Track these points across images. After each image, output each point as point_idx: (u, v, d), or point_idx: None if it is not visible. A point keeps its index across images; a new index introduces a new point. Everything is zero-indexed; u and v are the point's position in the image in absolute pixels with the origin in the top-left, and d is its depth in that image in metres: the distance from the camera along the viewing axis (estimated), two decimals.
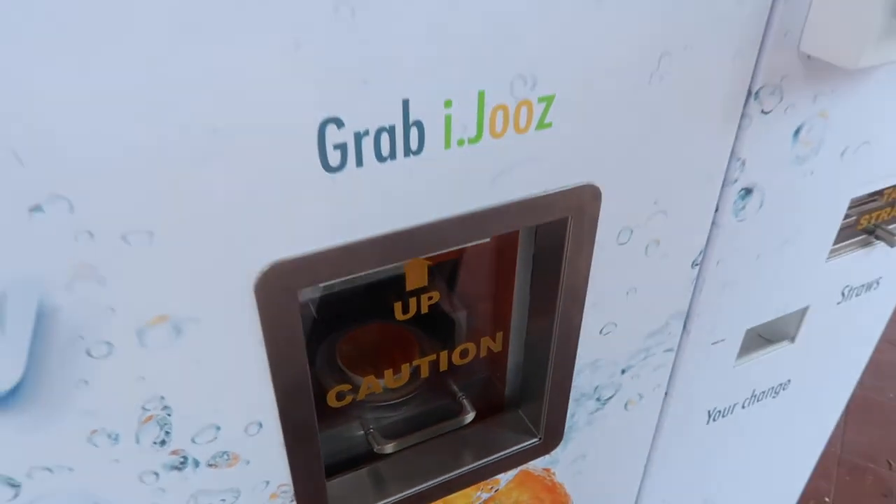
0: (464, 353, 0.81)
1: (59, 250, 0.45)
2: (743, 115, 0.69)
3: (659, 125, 0.64)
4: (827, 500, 1.70)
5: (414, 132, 0.53)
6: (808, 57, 0.66)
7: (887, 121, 0.80)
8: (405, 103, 0.51)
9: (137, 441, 0.56)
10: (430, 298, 0.76)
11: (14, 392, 0.49)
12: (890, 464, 1.78)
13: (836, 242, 0.90)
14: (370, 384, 0.78)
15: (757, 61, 0.66)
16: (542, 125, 0.58)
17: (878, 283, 1.03)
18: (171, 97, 0.43)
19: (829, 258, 0.91)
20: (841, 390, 1.22)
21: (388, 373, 0.80)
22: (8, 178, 0.42)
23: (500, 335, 0.83)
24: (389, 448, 0.79)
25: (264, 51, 0.44)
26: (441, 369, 0.88)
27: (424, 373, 0.91)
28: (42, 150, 0.41)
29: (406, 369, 0.87)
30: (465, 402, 0.85)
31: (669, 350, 0.86)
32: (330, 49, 0.46)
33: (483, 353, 0.82)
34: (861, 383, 1.74)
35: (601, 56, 0.57)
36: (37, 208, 0.43)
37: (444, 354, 0.80)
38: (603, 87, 0.58)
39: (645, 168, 0.66)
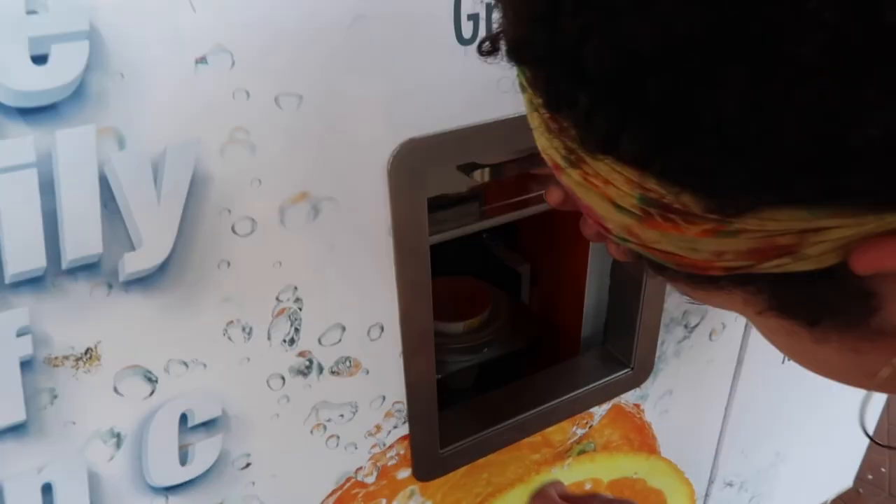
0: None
1: (218, 108, 0.46)
2: None
3: None
4: (883, 469, 1.68)
5: None
6: None
7: None
8: None
9: (269, 337, 0.56)
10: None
11: (162, 267, 0.48)
12: None
13: None
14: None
15: None
16: None
17: None
18: None
19: None
20: None
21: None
22: (180, 25, 0.42)
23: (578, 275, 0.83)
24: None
25: None
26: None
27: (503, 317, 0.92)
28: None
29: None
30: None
31: None
32: None
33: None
34: None
35: None
36: (202, 60, 0.44)
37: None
38: None
39: None
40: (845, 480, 1.46)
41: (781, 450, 1.18)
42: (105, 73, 0.41)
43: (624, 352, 0.84)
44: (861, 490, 1.63)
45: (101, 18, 0.40)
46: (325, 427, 0.63)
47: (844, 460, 1.44)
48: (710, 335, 0.89)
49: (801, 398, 1.12)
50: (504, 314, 0.93)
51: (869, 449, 1.52)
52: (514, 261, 1.00)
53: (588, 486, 0.89)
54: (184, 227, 0.48)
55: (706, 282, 0.31)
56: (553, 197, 0.63)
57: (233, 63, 0.45)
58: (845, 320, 0.29)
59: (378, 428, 0.66)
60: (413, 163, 0.54)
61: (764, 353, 0.97)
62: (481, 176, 0.68)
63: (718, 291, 0.31)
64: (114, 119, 0.42)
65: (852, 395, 1.23)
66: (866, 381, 0.32)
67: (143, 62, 0.42)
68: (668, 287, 0.79)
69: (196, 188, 0.47)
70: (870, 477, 1.67)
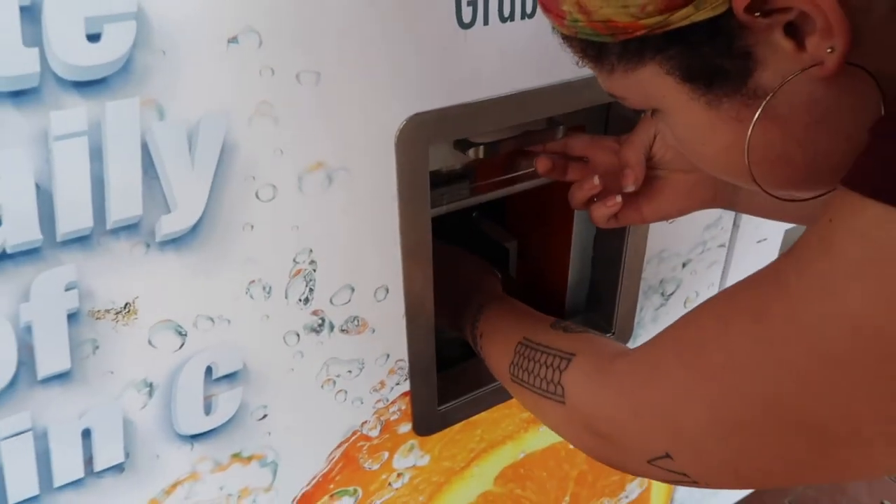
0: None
1: (246, 83, 0.51)
2: None
3: None
4: None
5: None
6: None
7: None
8: None
9: (286, 296, 0.61)
10: None
11: (194, 229, 0.53)
12: None
13: None
14: None
15: None
16: None
17: None
18: None
19: None
20: None
21: None
22: (215, 7, 0.47)
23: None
24: None
25: None
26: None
27: None
28: None
29: None
30: None
31: (722, 246, 0.93)
32: None
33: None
34: None
35: None
36: (233, 40, 0.49)
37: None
38: None
39: None
40: None
41: None
42: (149, 50, 0.46)
43: (605, 319, 0.91)
44: None
45: (148, 0, 0.45)
46: (334, 382, 0.68)
47: None
48: (685, 302, 0.96)
49: None
50: None
51: None
52: (502, 237, 1.06)
53: (573, 446, 0.96)
54: (214, 192, 0.53)
55: (635, 56, 0.40)
56: (542, 165, 0.69)
57: (260, 43, 0.50)
58: (731, 82, 0.38)
59: (382, 384, 0.72)
60: (418, 136, 0.60)
61: None
62: (476, 153, 0.73)
63: (644, 68, 0.40)
64: (155, 92, 0.47)
65: None
66: (741, 158, 0.41)
67: (182, 40, 0.47)
68: (647, 255, 0.86)
69: (225, 156, 0.52)
70: None
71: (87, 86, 0.45)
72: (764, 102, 0.38)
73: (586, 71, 0.67)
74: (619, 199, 0.66)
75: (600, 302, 0.91)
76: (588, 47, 0.43)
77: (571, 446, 0.96)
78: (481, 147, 0.71)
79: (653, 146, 0.67)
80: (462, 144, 0.71)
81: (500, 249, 1.05)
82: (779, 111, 0.39)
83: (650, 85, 0.42)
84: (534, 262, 1.03)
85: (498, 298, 0.74)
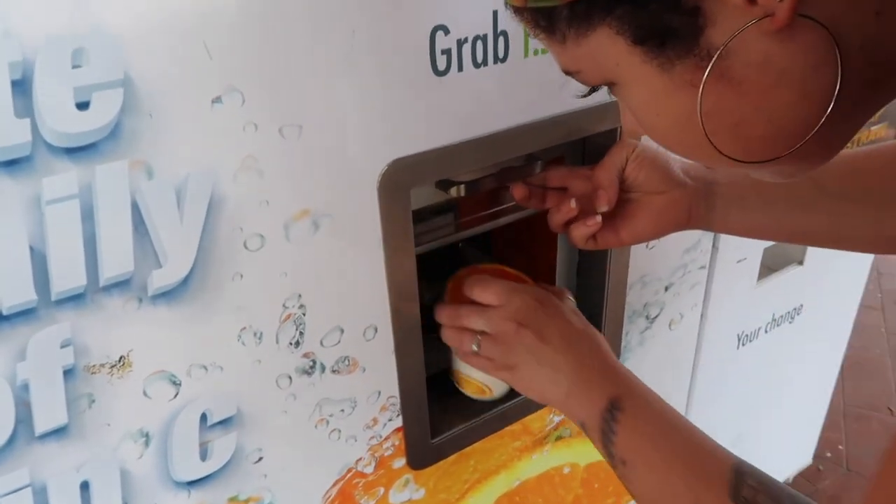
0: None
1: (231, 140, 0.53)
2: None
3: None
4: (841, 447, 1.79)
5: (501, 41, 0.62)
6: None
7: None
8: (495, 14, 0.61)
9: (277, 341, 0.62)
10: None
11: (185, 282, 0.55)
12: (891, 410, 1.90)
13: None
14: None
15: None
16: None
17: None
18: (321, 9, 0.52)
19: None
20: (846, 314, 1.33)
21: None
22: (199, 70, 0.49)
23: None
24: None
25: None
26: None
27: None
28: (227, 46, 0.49)
29: None
30: None
31: (703, 267, 0.96)
32: None
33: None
34: (850, 344, 1.87)
35: None
36: (217, 100, 0.51)
37: None
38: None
39: None
40: (805, 458, 1.57)
41: (743, 431, 1.27)
42: (136, 114, 0.48)
43: None
44: (821, 467, 1.74)
45: (134, 67, 0.47)
46: (327, 422, 0.69)
47: (802, 439, 1.54)
48: (670, 325, 0.98)
49: (758, 381, 1.22)
50: None
51: (825, 428, 1.63)
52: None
53: (566, 471, 0.97)
54: (203, 245, 0.55)
55: (584, 20, 0.39)
56: (518, 192, 0.72)
57: (243, 101, 0.52)
58: (682, 41, 0.37)
59: (375, 421, 0.73)
60: (399, 179, 0.62)
61: (719, 340, 1.07)
62: (457, 191, 0.76)
63: (595, 33, 0.39)
64: (143, 153, 0.49)
65: (806, 375, 1.33)
66: (698, 126, 0.39)
67: (167, 103, 0.49)
68: (629, 280, 0.88)
69: (213, 210, 0.54)
70: (828, 454, 1.78)
71: (77, 151, 0.47)
72: (713, 59, 0.36)
73: (560, 108, 0.70)
74: (598, 218, 0.68)
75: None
76: (539, 17, 0.42)
77: (566, 471, 0.97)
78: (462, 186, 0.74)
79: (625, 169, 0.69)
80: (444, 184, 0.73)
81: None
82: (733, 73, 0.37)
83: (603, 53, 0.40)
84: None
85: (631, 397, 0.61)
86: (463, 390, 0.81)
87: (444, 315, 0.69)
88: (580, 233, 0.69)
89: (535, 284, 0.73)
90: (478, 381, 0.79)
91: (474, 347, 0.66)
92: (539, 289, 0.69)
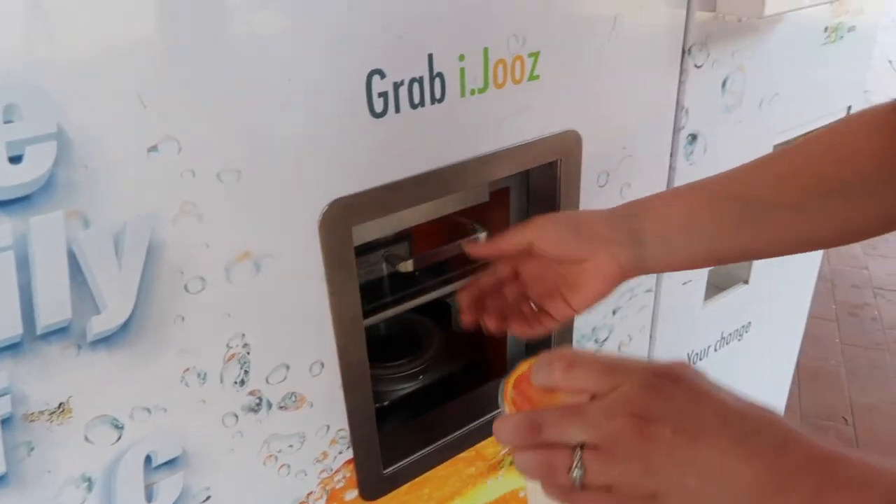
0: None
1: (169, 187, 0.53)
2: (681, 70, 0.84)
3: (620, 77, 0.78)
4: None
5: (437, 82, 0.64)
6: (724, 17, 0.83)
7: (792, 75, 0.98)
8: (430, 57, 0.63)
9: (221, 381, 0.63)
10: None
11: (125, 326, 0.55)
12: (846, 419, 1.95)
13: None
14: None
15: (686, 23, 0.81)
16: (532, 77, 0.71)
17: None
18: (255, 56, 0.53)
19: None
20: (794, 329, 1.37)
21: None
22: (133, 120, 0.50)
23: None
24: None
25: (323, 13, 0.55)
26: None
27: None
28: (161, 96, 0.51)
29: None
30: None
31: (649, 291, 0.98)
32: (374, 8, 0.58)
33: None
34: (805, 355, 1.92)
35: (572, 19, 0.71)
36: (153, 149, 0.52)
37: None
38: (575, 45, 0.72)
39: (612, 115, 0.80)
40: None
41: None
42: (71, 166, 0.49)
43: None
44: None
45: (67, 120, 0.48)
46: (276, 458, 0.70)
47: None
48: (619, 347, 1.00)
49: None
50: (436, 343, 1.03)
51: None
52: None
53: (522, 495, 0.98)
54: (142, 290, 0.55)
55: None
56: (472, 249, 0.73)
57: (180, 149, 0.53)
58: None
59: (325, 454, 0.74)
60: (341, 218, 0.63)
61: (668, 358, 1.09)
62: (405, 266, 0.79)
63: None
64: (80, 203, 0.50)
65: (759, 389, 1.36)
66: None
67: (103, 154, 0.50)
68: None
69: (152, 255, 0.55)
70: None
71: (11, 203, 0.47)
72: None
73: (499, 144, 0.72)
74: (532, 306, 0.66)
75: (537, 352, 0.95)
76: None
77: (521, 494, 0.98)
78: (410, 261, 0.77)
79: (533, 241, 0.65)
80: (391, 260, 0.76)
81: (443, 305, 1.09)
82: None
83: None
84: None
85: None
86: None
87: (509, 430, 0.43)
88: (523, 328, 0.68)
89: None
90: None
91: (576, 474, 0.40)
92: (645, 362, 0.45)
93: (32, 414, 0.53)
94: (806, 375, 2.11)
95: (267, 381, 0.66)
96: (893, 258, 2.84)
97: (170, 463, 0.62)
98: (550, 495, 0.42)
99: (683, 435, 0.39)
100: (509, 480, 0.95)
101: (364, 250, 0.83)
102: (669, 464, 0.39)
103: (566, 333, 0.91)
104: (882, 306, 2.51)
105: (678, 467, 0.39)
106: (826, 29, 0.99)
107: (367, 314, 0.71)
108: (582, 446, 0.40)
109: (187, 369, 0.60)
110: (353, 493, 0.78)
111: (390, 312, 0.79)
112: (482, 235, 0.78)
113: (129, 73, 0.49)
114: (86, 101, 0.48)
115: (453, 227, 0.88)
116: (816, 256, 1.31)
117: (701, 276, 1.06)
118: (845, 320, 2.43)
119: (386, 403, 0.95)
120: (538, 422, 0.42)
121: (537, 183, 0.83)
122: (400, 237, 0.88)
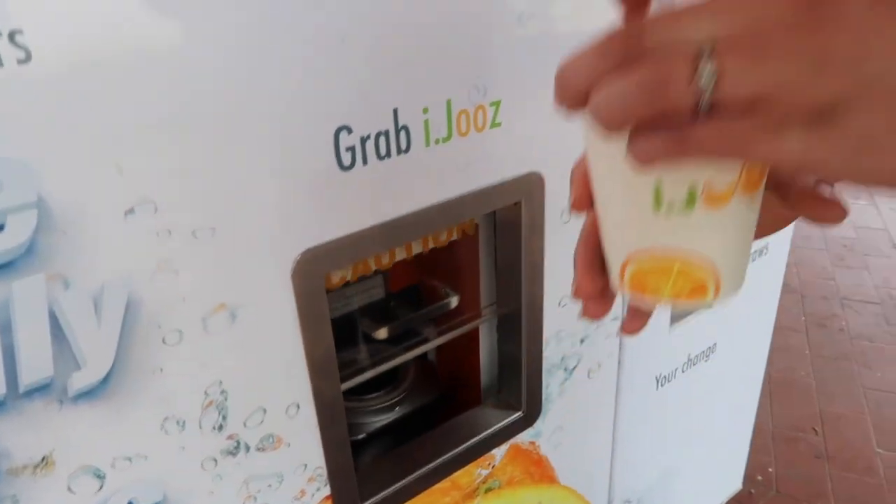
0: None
1: (146, 246, 0.56)
2: None
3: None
4: (770, 469, 1.88)
5: (402, 134, 0.68)
6: None
7: None
8: (395, 111, 0.66)
9: (200, 427, 0.65)
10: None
11: (105, 380, 0.58)
12: (815, 430, 2.00)
13: None
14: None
15: None
16: (494, 124, 0.74)
17: (766, 249, 1.25)
18: (227, 118, 0.56)
19: None
20: (760, 347, 1.42)
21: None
22: (110, 186, 0.53)
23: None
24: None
25: (290, 74, 0.59)
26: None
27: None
28: (136, 160, 0.53)
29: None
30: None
31: (615, 318, 1.02)
32: (340, 70, 0.61)
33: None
34: (775, 366, 1.96)
35: (532, 67, 0.74)
36: (130, 211, 0.54)
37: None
38: (535, 92, 0.76)
39: (573, 155, 0.84)
40: (734, 484, 1.64)
41: (670, 464, 1.34)
42: (51, 232, 0.51)
43: (514, 397, 0.97)
44: (752, 490, 1.82)
45: (47, 189, 0.50)
46: (255, 498, 0.72)
47: (730, 466, 1.62)
48: (589, 374, 1.03)
49: (680, 418, 1.29)
50: (412, 374, 1.05)
51: (755, 451, 1.71)
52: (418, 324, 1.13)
53: None
54: (121, 345, 0.57)
55: None
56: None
57: (156, 210, 0.55)
58: None
59: (303, 492, 0.76)
60: (313, 267, 0.66)
61: (638, 383, 1.13)
62: (380, 334, 0.84)
63: None
64: (60, 267, 0.52)
65: (727, 406, 1.39)
66: None
67: (81, 220, 0.52)
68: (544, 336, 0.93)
69: (130, 312, 0.57)
70: (759, 478, 1.86)
71: None
72: None
73: (465, 188, 0.75)
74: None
75: (509, 382, 0.98)
76: None
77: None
78: (385, 328, 0.82)
79: None
80: (370, 327, 0.82)
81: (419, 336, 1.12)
82: None
83: None
84: (450, 350, 1.10)
85: None
86: (643, 297, 0.34)
87: (590, 53, 0.27)
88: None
89: None
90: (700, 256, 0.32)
91: (705, 81, 0.24)
92: None
93: (16, 468, 0.55)
94: (777, 386, 2.16)
95: (245, 425, 0.68)
96: (859, 269, 2.92)
97: None
98: (647, 145, 0.27)
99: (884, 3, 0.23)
100: None
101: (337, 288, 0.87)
102: (863, 49, 0.23)
103: (535, 363, 0.95)
104: (850, 317, 2.58)
105: (878, 52, 0.23)
106: None
107: (343, 378, 0.75)
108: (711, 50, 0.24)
109: (166, 418, 0.62)
110: None
111: (369, 374, 0.82)
112: (454, 300, 0.83)
113: (107, 143, 0.52)
114: (65, 171, 0.51)
115: (428, 290, 0.93)
116: (779, 276, 1.36)
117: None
118: (814, 331, 2.50)
119: (362, 436, 0.97)
120: (638, 28, 0.26)
121: (503, 221, 0.86)
122: (375, 271, 0.91)
